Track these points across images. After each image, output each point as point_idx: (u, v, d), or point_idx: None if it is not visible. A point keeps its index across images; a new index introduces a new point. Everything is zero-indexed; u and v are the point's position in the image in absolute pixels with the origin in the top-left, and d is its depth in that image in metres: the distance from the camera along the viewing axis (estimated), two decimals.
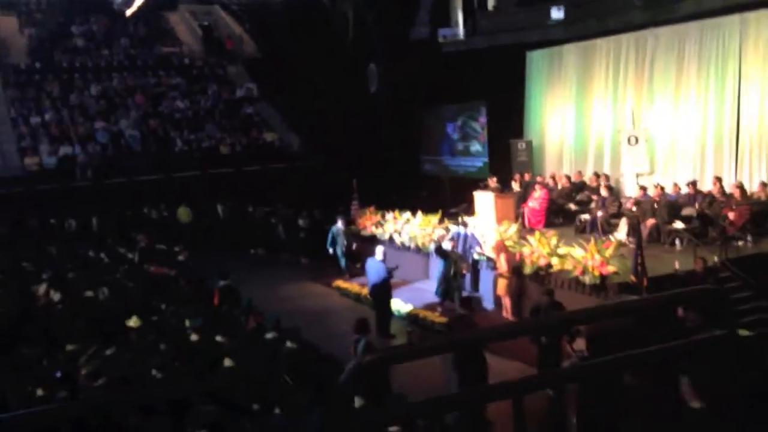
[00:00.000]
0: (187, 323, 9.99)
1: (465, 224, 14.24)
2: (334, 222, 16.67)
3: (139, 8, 26.24)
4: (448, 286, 12.86)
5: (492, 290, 12.93)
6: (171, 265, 14.69)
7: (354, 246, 16.58)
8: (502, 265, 12.29)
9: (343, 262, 16.39)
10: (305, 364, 8.15)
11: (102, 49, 26.89)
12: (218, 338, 9.07)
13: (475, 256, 13.57)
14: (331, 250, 16.29)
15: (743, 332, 7.04)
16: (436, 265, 14.93)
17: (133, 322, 9.13)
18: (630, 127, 15.61)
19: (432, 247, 15.03)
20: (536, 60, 18.69)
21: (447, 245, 13.50)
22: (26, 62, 25.17)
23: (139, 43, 27.76)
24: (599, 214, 13.85)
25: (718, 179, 13.36)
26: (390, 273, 13.04)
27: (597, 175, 15.89)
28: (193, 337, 9.34)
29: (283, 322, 10.53)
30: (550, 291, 10.37)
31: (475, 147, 21.21)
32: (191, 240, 18.63)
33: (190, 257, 15.41)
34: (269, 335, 9.37)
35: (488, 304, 13.16)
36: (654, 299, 2.93)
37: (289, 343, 8.84)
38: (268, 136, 24.54)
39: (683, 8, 14.63)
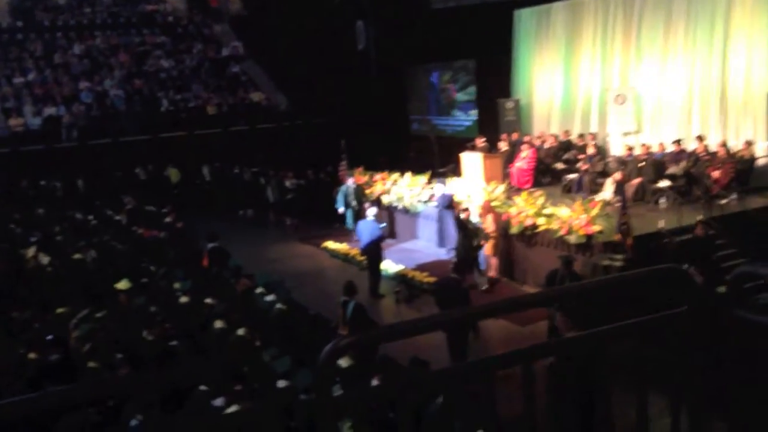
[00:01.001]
0: (177, 285, 10.07)
1: (443, 183, 14.38)
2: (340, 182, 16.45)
3: None
4: (467, 256, 11.91)
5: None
6: (159, 227, 14.71)
7: (366, 205, 16.22)
8: (489, 225, 12.37)
9: (351, 222, 15.74)
10: (294, 325, 8.26)
11: (84, 6, 26.40)
12: (208, 300, 9.16)
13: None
14: (341, 210, 15.83)
15: (720, 289, 7.17)
16: (426, 225, 15.09)
17: (122, 284, 9.17)
18: (617, 86, 15.60)
19: (420, 207, 15.13)
20: (524, 18, 18.53)
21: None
22: (8, 21, 24.72)
23: (122, 1, 27.26)
24: (586, 173, 13.92)
25: (700, 138, 13.42)
26: (383, 234, 13.13)
27: (583, 135, 15.93)
28: (183, 299, 9.43)
29: (273, 283, 10.63)
30: (568, 260, 9.35)
31: (463, 106, 21.14)
32: (179, 201, 18.61)
33: (179, 219, 15.42)
34: (260, 297, 9.46)
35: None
36: (610, 281, 3.00)
37: (279, 305, 8.95)
38: (255, 96, 24.33)
39: None
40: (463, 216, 12.14)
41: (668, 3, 14.56)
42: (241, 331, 7.57)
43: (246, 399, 5.83)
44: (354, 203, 15.66)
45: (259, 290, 9.70)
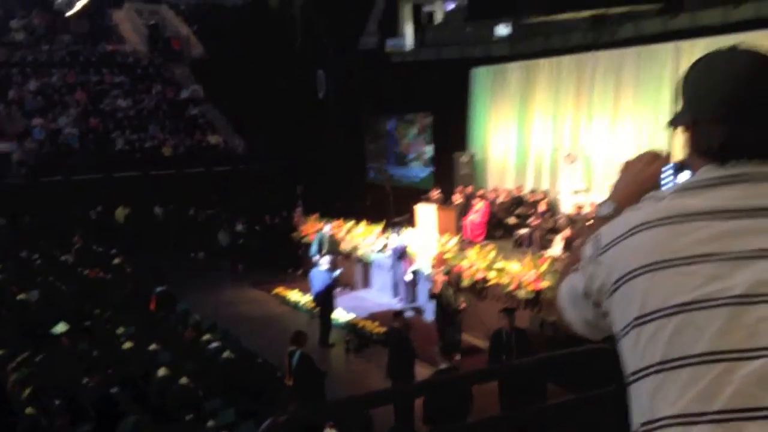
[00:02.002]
0: (121, 330, 9.85)
1: (398, 234, 14.49)
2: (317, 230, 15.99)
3: (83, 8, 25.66)
4: (447, 331, 11.25)
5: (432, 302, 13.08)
6: (106, 268, 14.43)
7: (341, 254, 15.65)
8: (441, 277, 12.46)
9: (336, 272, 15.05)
10: (241, 374, 8.13)
11: (42, 44, 26.20)
12: (153, 346, 8.97)
13: (413, 267, 13.76)
14: (317, 257, 15.18)
15: None
16: (379, 274, 15.13)
17: (60, 327, 8.95)
18: (568, 145, 16.05)
19: (373, 256, 15.19)
20: (480, 76, 19.04)
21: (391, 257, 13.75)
22: None
23: (82, 40, 27.16)
24: (537, 229, 14.19)
25: None
26: (335, 282, 13.12)
27: (535, 191, 16.29)
28: (127, 344, 9.21)
29: (222, 329, 10.48)
30: (510, 311, 9.36)
31: (420, 158, 21.45)
32: (130, 242, 18.32)
33: (128, 260, 15.15)
34: (206, 344, 9.31)
35: (429, 315, 13.31)
36: (543, 360, 3.08)
37: (226, 353, 8.80)
38: (212, 138, 24.31)
39: (623, 32, 15.14)
40: (433, 288, 11.88)
41: (618, 68, 15.14)
42: (183, 380, 7.42)
43: None
44: (330, 251, 14.98)
45: (206, 337, 9.54)
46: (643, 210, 1.17)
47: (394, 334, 9.66)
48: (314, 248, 15.25)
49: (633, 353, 1.10)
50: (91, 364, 8.40)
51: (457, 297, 11.43)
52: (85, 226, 18.84)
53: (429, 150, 21.01)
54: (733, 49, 1.19)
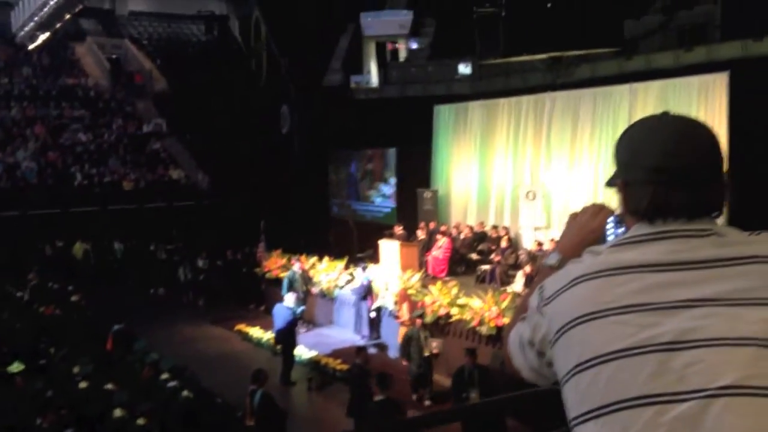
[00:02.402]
0: (77, 369, 9.63)
1: (363, 270, 14.49)
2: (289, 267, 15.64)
3: (45, 42, 25.45)
4: (423, 371, 11.10)
5: (395, 338, 13.07)
6: (63, 305, 14.12)
7: (312, 292, 15.52)
8: (404, 313, 12.49)
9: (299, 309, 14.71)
10: (200, 414, 7.99)
11: (2, 77, 25.88)
12: (109, 386, 8.78)
13: (377, 303, 13.76)
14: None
15: None
16: (343, 311, 15.08)
17: (14, 367, 8.71)
18: (528, 182, 16.32)
19: (337, 292, 15.15)
20: (443, 113, 19.34)
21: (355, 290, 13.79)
22: None
23: (42, 73, 26.89)
24: (498, 265, 14.33)
25: None
26: (297, 319, 13.03)
27: (497, 228, 16.49)
28: (82, 384, 9.01)
29: (179, 368, 10.30)
30: (471, 351, 9.64)
31: (383, 193, 21.56)
32: (88, 279, 17.98)
33: (86, 297, 14.85)
34: (164, 383, 9.14)
35: (393, 351, 13.28)
36: (502, 401, 3.12)
37: (184, 392, 8.66)
38: (174, 173, 24.13)
39: (579, 73, 15.59)
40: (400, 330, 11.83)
41: (575, 108, 15.53)
42: (141, 421, 7.27)
43: None
44: (302, 289, 14.95)
45: (164, 376, 9.37)
46: (583, 263, 1.25)
47: (356, 371, 9.61)
48: (285, 287, 14.90)
49: (574, 399, 1.16)
50: (46, 404, 8.19)
51: (429, 342, 11.23)
52: (41, 262, 18.45)
53: (392, 186, 21.15)
54: (662, 116, 1.28)
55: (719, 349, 1.07)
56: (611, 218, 1.46)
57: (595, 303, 1.17)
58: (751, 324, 1.08)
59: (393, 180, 21.09)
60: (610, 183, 1.33)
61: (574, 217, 1.54)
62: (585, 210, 1.53)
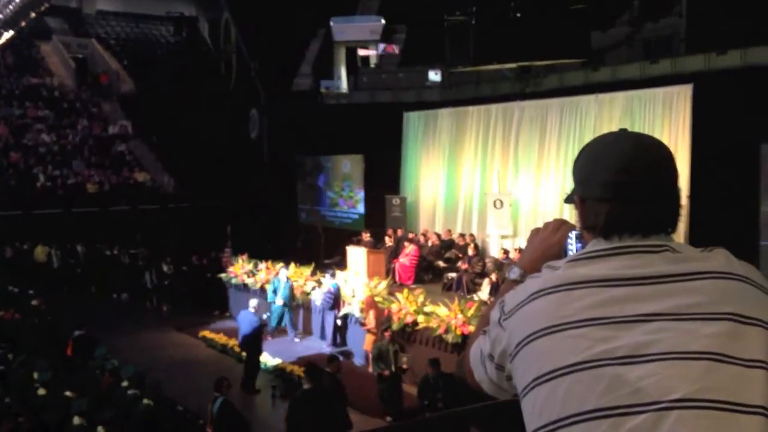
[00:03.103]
0: (35, 375, 9.43)
1: (332, 276, 14.44)
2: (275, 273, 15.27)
3: (6, 42, 24.92)
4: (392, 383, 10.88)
5: (361, 345, 13.03)
6: (22, 310, 13.82)
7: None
8: (371, 320, 12.45)
9: (275, 320, 14.64)
10: (160, 422, 7.86)
11: None
12: (68, 393, 8.60)
13: (344, 310, 13.71)
14: (278, 301, 14.68)
15: None
16: (307, 318, 14.98)
17: None
18: (496, 191, 16.42)
19: (301, 300, 15.05)
20: (413, 120, 19.39)
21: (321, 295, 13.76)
22: None
23: (6, 72, 26.36)
24: (465, 273, 14.37)
25: None
26: (263, 326, 12.92)
27: (464, 235, 16.55)
28: (41, 391, 8.82)
29: (140, 375, 10.14)
30: (435, 362, 9.72)
31: (350, 200, 21.52)
32: (49, 282, 17.64)
33: (46, 301, 14.56)
34: (125, 391, 8.98)
35: (358, 359, 13.23)
36: (468, 412, 3.13)
37: (145, 400, 8.51)
38: (139, 176, 23.80)
39: (547, 83, 15.76)
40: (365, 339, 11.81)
41: (543, 118, 15.68)
42: (100, 429, 7.13)
43: None
44: (288, 296, 14.66)
45: (124, 383, 9.21)
46: (541, 278, 1.27)
47: (327, 379, 9.50)
48: (270, 293, 14.78)
49: (532, 412, 1.17)
50: (3, 411, 8.01)
51: (399, 355, 10.99)
52: (1, 264, 18.04)
53: (360, 192, 21.12)
54: (618, 133, 1.31)
55: (672, 362, 1.10)
56: (572, 233, 1.47)
57: (553, 317, 1.19)
58: (703, 338, 1.11)
59: (361, 186, 21.07)
60: (569, 200, 1.35)
61: (536, 232, 1.56)
62: (546, 225, 1.55)
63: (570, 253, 1.44)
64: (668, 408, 1.06)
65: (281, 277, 14.94)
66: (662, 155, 1.26)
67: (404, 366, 11.01)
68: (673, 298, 1.15)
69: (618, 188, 1.23)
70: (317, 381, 8.35)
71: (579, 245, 1.44)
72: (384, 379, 10.75)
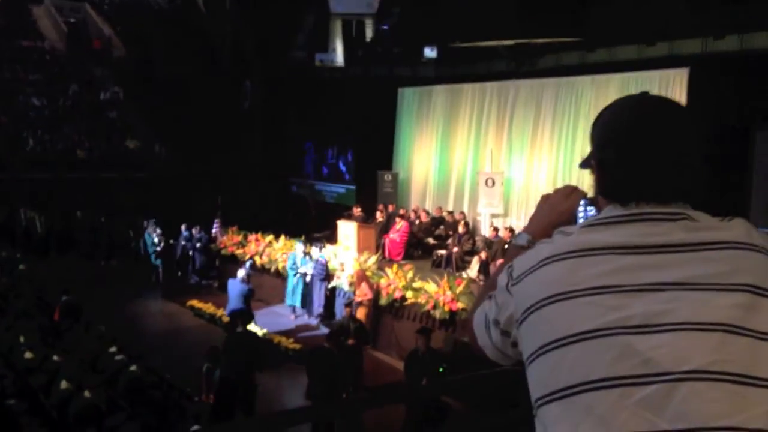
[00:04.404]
0: (22, 339, 9.39)
1: (320, 249, 14.43)
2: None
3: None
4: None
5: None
6: (9, 274, 13.75)
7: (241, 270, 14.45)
8: (365, 292, 12.43)
9: (291, 297, 14.41)
10: (147, 389, 7.87)
11: None
12: (55, 357, 8.58)
13: (333, 283, 13.72)
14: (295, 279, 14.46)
15: None
16: (295, 290, 14.97)
17: None
18: (488, 169, 16.40)
19: (290, 272, 15.02)
20: (407, 96, 19.29)
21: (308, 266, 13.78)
22: None
23: None
24: (455, 250, 14.40)
25: None
26: (251, 295, 12.92)
27: (453, 213, 16.56)
28: (28, 354, 8.79)
29: (130, 342, 10.14)
30: (425, 330, 9.60)
31: (343, 174, 21.47)
32: (37, 247, 17.54)
33: (34, 266, 14.48)
34: (111, 357, 8.98)
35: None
36: (459, 381, 3.13)
37: (132, 367, 8.51)
38: (130, 143, 23.59)
39: (543, 62, 15.69)
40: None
41: (538, 98, 15.64)
42: (87, 393, 7.13)
43: None
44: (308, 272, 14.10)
45: (111, 349, 9.20)
46: (553, 243, 1.23)
47: (321, 352, 9.43)
48: (289, 265, 14.45)
49: (539, 380, 1.16)
50: None
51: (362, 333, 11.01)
52: None
53: (352, 167, 21.05)
54: (640, 97, 1.27)
55: (686, 333, 1.07)
56: (582, 200, 1.45)
57: (563, 283, 1.16)
58: (718, 309, 1.09)
59: (354, 161, 21.01)
60: (584, 164, 1.32)
61: (545, 198, 1.54)
62: (557, 191, 1.52)
63: (580, 220, 1.42)
64: (680, 379, 1.04)
65: (298, 252, 14.55)
66: (686, 121, 1.23)
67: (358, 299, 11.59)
68: (690, 268, 1.13)
69: (637, 153, 1.20)
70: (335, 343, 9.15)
71: (590, 213, 1.43)
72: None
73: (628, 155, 1.21)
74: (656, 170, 1.19)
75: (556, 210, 1.48)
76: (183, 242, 17.65)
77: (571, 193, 1.49)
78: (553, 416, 1.11)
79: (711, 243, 1.15)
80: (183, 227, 17.73)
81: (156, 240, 17.66)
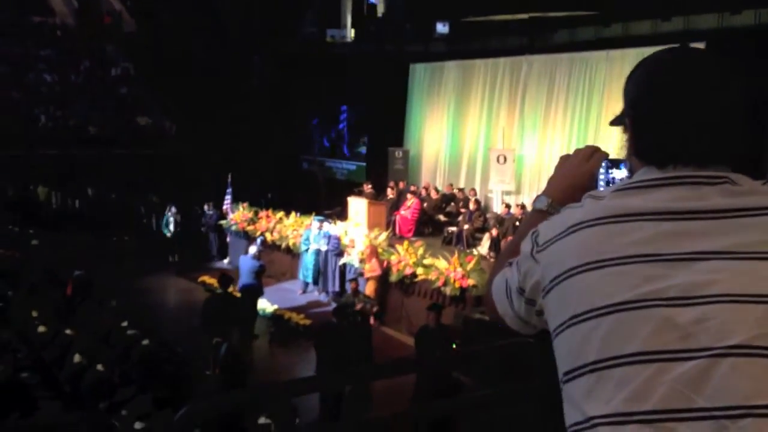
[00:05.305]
0: (35, 313, 9.48)
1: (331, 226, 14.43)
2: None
3: None
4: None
5: None
6: (22, 249, 13.85)
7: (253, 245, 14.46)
8: (375, 267, 12.43)
9: (305, 271, 14.32)
10: (159, 363, 7.94)
11: None
12: (68, 331, 8.66)
13: (343, 260, 13.73)
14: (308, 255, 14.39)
15: None
16: (307, 266, 15.00)
17: None
18: (500, 146, 16.29)
19: (301, 248, 15.04)
20: (419, 72, 19.14)
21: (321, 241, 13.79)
22: None
23: (7, 9, 25.89)
24: (465, 227, 14.36)
25: None
26: (262, 271, 12.95)
27: (464, 190, 16.49)
28: (41, 328, 8.87)
29: (142, 317, 10.21)
30: (436, 307, 9.46)
31: (354, 150, 21.42)
32: (50, 223, 17.65)
33: (47, 242, 14.57)
34: (124, 331, 9.05)
35: None
36: (476, 351, 3.11)
37: (144, 341, 8.57)
38: (141, 120, 23.61)
39: (557, 38, 15.50)
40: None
41: (552, 73, 15.47)
42: (99, 366, 7.19)
43: None
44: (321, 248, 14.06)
45: (123, 323, 9.27)
46: (583, 208, 1.16)
47: (333, 330, 9.44)
48: (303, 245, 14.43)
49: (567, 353, 1.09)
50: (3, 347, 8.07)
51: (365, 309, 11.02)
52: (1, 204, 18.03)
53: (363, 143, 20.99)
54: (681, 50, 1.18)
55: (729, 305, 1.00)
56: (604, 162, 1.39)
57: (595, 252, 1.09)
58: (763, 280, 1.01)
59: (364, 138, 20.94)
60: (616, 122, 1.23)
61: (565, 158, 1.45)
62: (577, 152, 1.44)
63: (601, 183, 1.37)
64: (721, 355, 0.97)
65: (313, 229, 14.50)
66: (731, 76, 1.13)
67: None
68: (732, 235, 1.05)
69: (676, 110, 1.11)
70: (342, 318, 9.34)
71: (611, 175, 1.37)
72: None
73: (667, 112, 1.12)
74: (697, 129, 1.11)
75: (576, 171, 1.40)
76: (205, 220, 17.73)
77: (592, 153, 1.41)
78: (583, 391, 1.05)
79: (754, 209, 1.07)
80: (207, 206, 17.73)
81: (172, 227, 17.49)
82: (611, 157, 1.37)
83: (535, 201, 1.43)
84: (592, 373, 1.04)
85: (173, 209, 17.68)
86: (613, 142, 1.35)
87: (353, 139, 21.72)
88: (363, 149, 21.10)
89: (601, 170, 1.38)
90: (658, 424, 0.97)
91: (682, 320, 1.01)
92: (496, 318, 1.34)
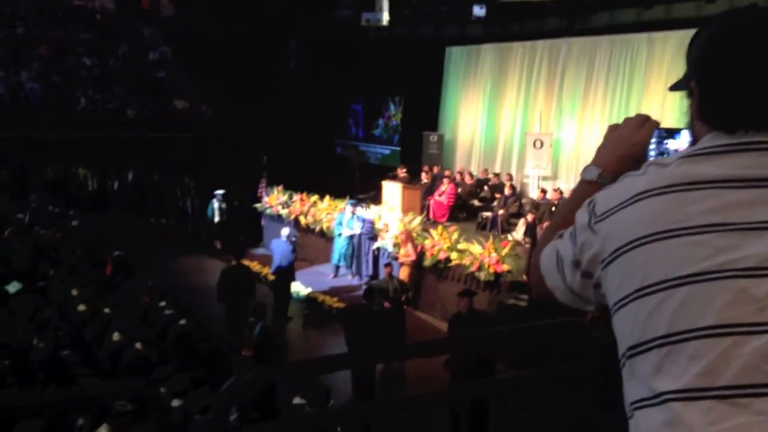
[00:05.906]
0: (75, 292, 9.67)
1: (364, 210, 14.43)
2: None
3: None
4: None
5: None
6: (63, 229, 14.12)
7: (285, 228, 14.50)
8: (410, 252, 12.40)
9: (337, 256, 14.24)
10: (195, 342, 8.04)
11: None
12: (107, 310, 8.82)
13: (377, 244, 13.73)
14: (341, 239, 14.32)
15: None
16: (342, 250, 15.03)
17: (12, 287, 8.73)
18: (537, 130, 16.09)
19: (335, 232, 15.06)
20: (455, 56, 18.97)
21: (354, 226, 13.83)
22: None
23: None
24: (500, 212, 14.24)
25: None
26: (295, 254, 13.03)
27: (499, 175, 16.34)
28: (81, 307, 9.04)
29: (179, 298, 10.36)
30: (468, 293, 9.33)
31: (388, 135, 21.36)
32: (90, 204, 17.95)
33: (86, 222, 14.83)
34: (161, 311, 9.18)
35: None
36: (518, 330, 3.07)
37: (181, 321, 8.69)
38: (178, 103, 23.83)
39: (597, 20, 15.18)
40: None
41: (591, 56, 15.19)
42: (138, 345, 7.31)
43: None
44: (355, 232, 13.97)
45: (161, 303, 9.40)
46: (645, 177, 1.11)
47: (364, 313, 9.46)
48: (335, 228, 14.38)
49: (633, 326, 1.06)
50: (43, 325, 8.24)
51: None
52: (43, 185, 18.39)
53: (398, 128, 20.91)
54: (753, 8, 1.13)
55: None
56: (656, 131, 1.34)
57: (663, 221, 1.05)
58: None
59: (399, 122, 20.86)
60: (678, 86, 1.18)
61: (614, 128, 1.41)
62: (627, 121, 1.39)
63: (652, 153, 1.32)
64: None
65: (346, 213, 14.41)
66: None
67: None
68: None
69: (748, 73, 1.06)
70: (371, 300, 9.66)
71: (664, 145, 1.32)
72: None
73: (737, 75, 1.07)
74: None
75: (627, 141, 1.35)
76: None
77: (643, 122, 1.35)
78: (651, 366, 1.02)
79: None
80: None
81: (218, 216, 17.23)
82: (682, 125, 1.31)
83: (583, 171, 1.38)
84: (661, 348, 1.01)
85: (219, 195, 17.33)
86: (659, 119, 1.29)
87: (387, 123, 21.65)
88: (397, 134, 21.03)
89: (653, 140, 1.33)
90: (734, 399, 0.94)
91: (758, 292, 0.97)
92: (542, 292, 1.30)
